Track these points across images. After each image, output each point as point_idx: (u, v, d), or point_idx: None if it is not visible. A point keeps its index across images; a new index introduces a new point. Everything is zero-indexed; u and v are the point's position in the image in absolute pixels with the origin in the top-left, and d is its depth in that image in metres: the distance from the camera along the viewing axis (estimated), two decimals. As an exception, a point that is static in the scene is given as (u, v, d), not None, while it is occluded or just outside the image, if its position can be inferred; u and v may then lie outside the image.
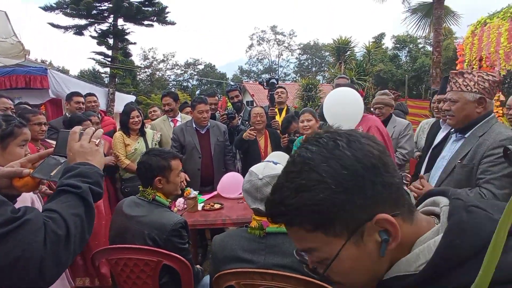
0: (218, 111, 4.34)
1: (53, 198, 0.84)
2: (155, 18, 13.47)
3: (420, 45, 30.13)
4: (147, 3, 13.18)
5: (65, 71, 20.88)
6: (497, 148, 1.58)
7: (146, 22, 13.48)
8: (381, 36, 33.21)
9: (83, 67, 34.77)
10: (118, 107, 10.58)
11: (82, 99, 3.90)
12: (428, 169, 2.49)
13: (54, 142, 2.99)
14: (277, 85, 3.96)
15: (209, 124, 3.50)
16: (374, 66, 21.64)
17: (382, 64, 25.92)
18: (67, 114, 3.86)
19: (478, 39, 4.31)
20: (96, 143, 0.98)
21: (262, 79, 4.00)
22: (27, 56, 6.64)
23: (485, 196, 1.55)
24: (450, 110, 1.79)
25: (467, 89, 1.71)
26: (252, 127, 3.40)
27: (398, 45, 31.71)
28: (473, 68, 4.51)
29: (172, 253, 1.54)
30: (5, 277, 0.66)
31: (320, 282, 1.32)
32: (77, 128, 0.99)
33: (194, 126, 3.46)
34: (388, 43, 33.09)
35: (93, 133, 0.99)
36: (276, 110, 4.02)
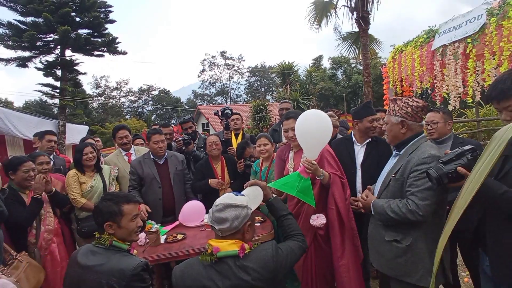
0: (174, 140, 4.25)
1: None
2: (106, 48, 12.91)
3: (353, 65, 32.60)
4: (96, 34, 12.63)
5: (8, 103, 19.01)
6: (420, 165, 1.74)
7: (96, 53, 12.86)
8: (320, 58, 35.39)
9: (28, 98, 31.68)
10: (70, 139, 9.81)
11: (55, 138, 3.71)
12: (365, 184, 2.59)
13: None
14: (231, 115, 4.05)
15: (166, 154, 3.41)
16: (316, 85, 22.88)
17: (323, 82, 27.52)
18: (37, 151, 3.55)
19: (398, 63, 4.82)
20: None
21: (217, 111, 4.09)
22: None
23: (410, 206, 1.70)
24: (385, 130, 2.02)
25: (393, 113, 1.93)
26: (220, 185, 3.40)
27: (335, 65, 33.97)
28: (396, 87, 5.00)
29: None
30: None
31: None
32: None
33: (152, 157, 3.35)
34: (326, 63, 35.31)
35: None
36: (233, 135, 4.08)
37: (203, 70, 44.90)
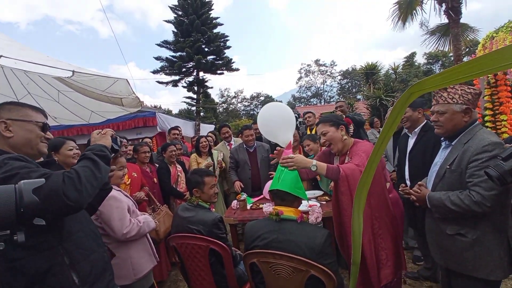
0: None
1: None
2: (224, 68, 14.51)
3: (452, 59, 26.47)
4: (217, 58, 14.34)
5: (169, 112, 23.72)
6: (481, 154, 1.41)
7: (218, 72, 14.62)
8: (413, 55, 30.11)
9: (181, 107, 38.78)
10: (203, 134, 11.58)
11: (177, 131, 4.59)
12: (411, 173, 2.33)
13: (156, 165, 3.51)
14: (299, 118, 4.16)
15: (255, 144, 3.69)
16: (409, 81, 19.66)
17: (416, 79, 23.50)
18: (168, 141, 4.46)
19: (489, 51, 3.76)
20: (102, 133, 1.27)
21: None
22: (142, 105, 7.80)
23: (475, 198, 1.38)
24: (438, 121, 1.64)
25: (453, 101, 1.58)
26: None
27: (431, 60, 28.39)
28: (488, 76, 3.92)
29: (215, 240, 1.71)
30: (49, 202, 0.89)
31: (314, 262, 1.38)
32: (95, 132, 1.29)
33: (244, 146, 3.69)
34: (420, 59, 29.82)
35: (102, 131, 1.30)
36: (308, 130, 4.13)
37: (300, 78, 44.80)
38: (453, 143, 1.61)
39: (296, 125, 3.99)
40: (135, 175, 2.89)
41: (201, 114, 14.70)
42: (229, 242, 1.79)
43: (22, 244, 0.79)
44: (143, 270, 1.72)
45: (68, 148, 1.94)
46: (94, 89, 5.25)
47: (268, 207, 1.70)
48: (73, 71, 4.68)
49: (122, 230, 1.62)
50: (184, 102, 15.41)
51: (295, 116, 4.02)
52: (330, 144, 1.83)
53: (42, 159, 1.28)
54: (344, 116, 3.25)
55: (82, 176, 0.98)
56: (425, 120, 2.38)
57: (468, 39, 7.52)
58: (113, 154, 1.28)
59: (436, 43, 7.93)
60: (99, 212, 1.64)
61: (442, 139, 1.72)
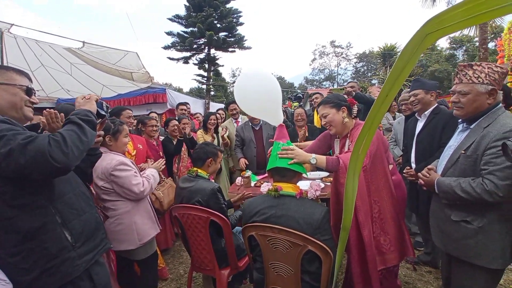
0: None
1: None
2: (236, 45, 14.14)
3: (477, 44, 24.79)
4: (230, 35, 13.95)
5: (179, 90, 23.68)
6: (500, 140, 1.30)
7: (230, 49, 14.27)
8: (435, 38, 28.34)
9: (192, 85, 38.59)
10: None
11: (185, 107, 4.59)
12: (418, 156, 2.27)
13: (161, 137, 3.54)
14: (302, 98, 4.04)
15: (261, 122, 3.64)
16: (429, 67, 18.64)
17: (437, 64, 22.23)
18: (176, 117, 4.47)
19: (517, 34, 3.47)
20: (87, 98, 1.24)
21: (291, 96, 4.11)
22: (153, 80, 7.78)
23: (487, 187, 1.31)
24: (459, 102, 1.50)
25: (479, 81, 1.43)
26: None
27: (454, 45, 26.71)
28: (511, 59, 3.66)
29: (215, 212, 1.74)
30: (35, 165, 0.91)
31: (311, 237, 1.39)
32: (79, 97, 1.26)
33: (250, 124, 3.65)
34: (443, 44, 28.12)
35: (86, 95, 1.27)
36: (315, 112, 4.05)
37: (314, 59, 43.45)
38: (471, 127, 1.49)
39: (301, 105, 3.94)
40: (141, 147, 2.93)
41: (211, 92, 14.60)
42: (228, 214, 1.82)
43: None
44: (147, 236, 1.79)
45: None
46: (105, 62, 5.22)
47: (265, 187, 1.65)
48: (84, 42, 4.64)
49: (140, 189, 1.75)
50: (195, 79, 15.30)
51: (299, 96, 3.97)
52: (330, 126, 1.75)
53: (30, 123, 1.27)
54: (351, 95, 3.10)
55: (68, 139, 0.98)
56: (436, 104, 2.27)
57: (494, 25, 6.94)
58: (99, 120, 1.25)
59: (462, 25, 7.37)
60: (114, 177, 1.71)
61: (460, 121, 1.60)
